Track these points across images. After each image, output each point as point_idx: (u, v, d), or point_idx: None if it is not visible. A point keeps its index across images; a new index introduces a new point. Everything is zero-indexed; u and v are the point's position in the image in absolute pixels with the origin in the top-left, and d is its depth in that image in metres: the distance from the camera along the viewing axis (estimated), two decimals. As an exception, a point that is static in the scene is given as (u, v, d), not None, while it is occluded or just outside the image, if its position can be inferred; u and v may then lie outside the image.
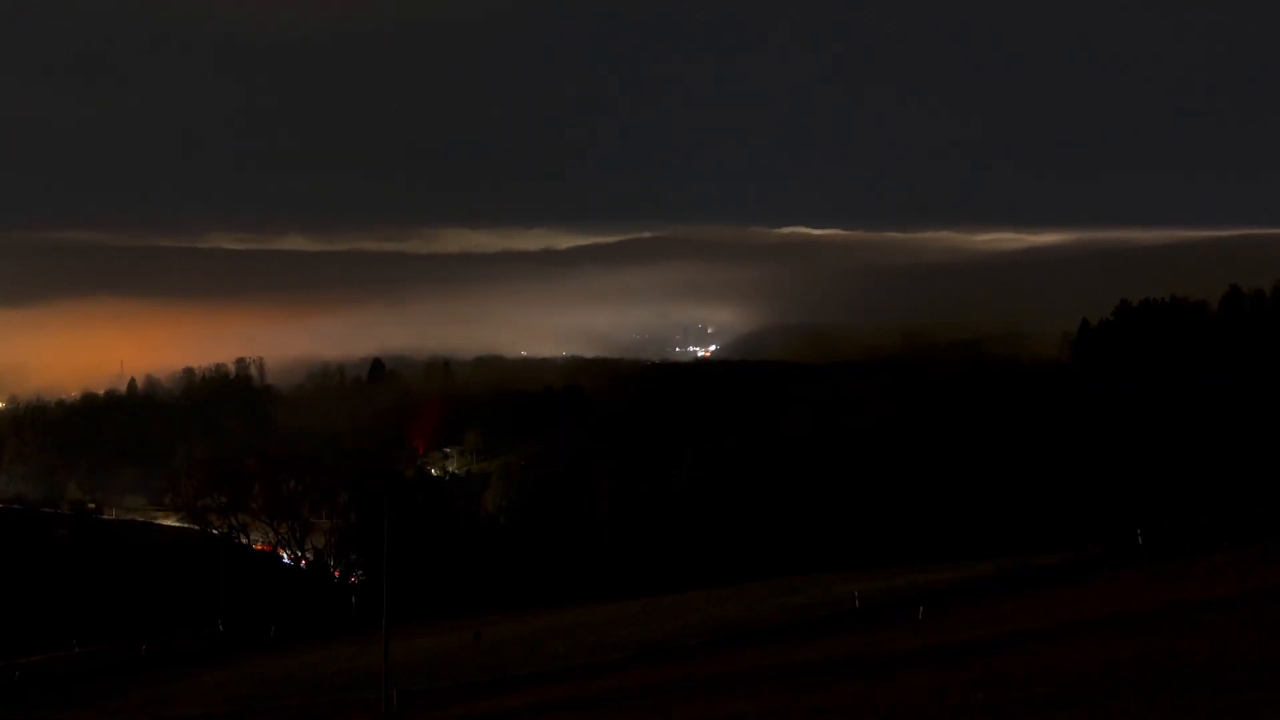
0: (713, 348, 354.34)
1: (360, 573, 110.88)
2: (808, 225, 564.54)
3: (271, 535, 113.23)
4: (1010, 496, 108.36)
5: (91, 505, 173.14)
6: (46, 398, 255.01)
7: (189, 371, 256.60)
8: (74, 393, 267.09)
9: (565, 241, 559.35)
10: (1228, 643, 26.80)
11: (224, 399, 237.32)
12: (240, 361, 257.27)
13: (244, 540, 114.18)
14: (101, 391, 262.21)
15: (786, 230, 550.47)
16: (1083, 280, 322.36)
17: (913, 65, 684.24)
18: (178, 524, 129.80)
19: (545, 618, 75.26)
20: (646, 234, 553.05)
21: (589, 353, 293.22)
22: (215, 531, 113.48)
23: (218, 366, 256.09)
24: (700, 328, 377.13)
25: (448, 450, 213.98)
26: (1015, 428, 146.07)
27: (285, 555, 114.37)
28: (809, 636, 50.40)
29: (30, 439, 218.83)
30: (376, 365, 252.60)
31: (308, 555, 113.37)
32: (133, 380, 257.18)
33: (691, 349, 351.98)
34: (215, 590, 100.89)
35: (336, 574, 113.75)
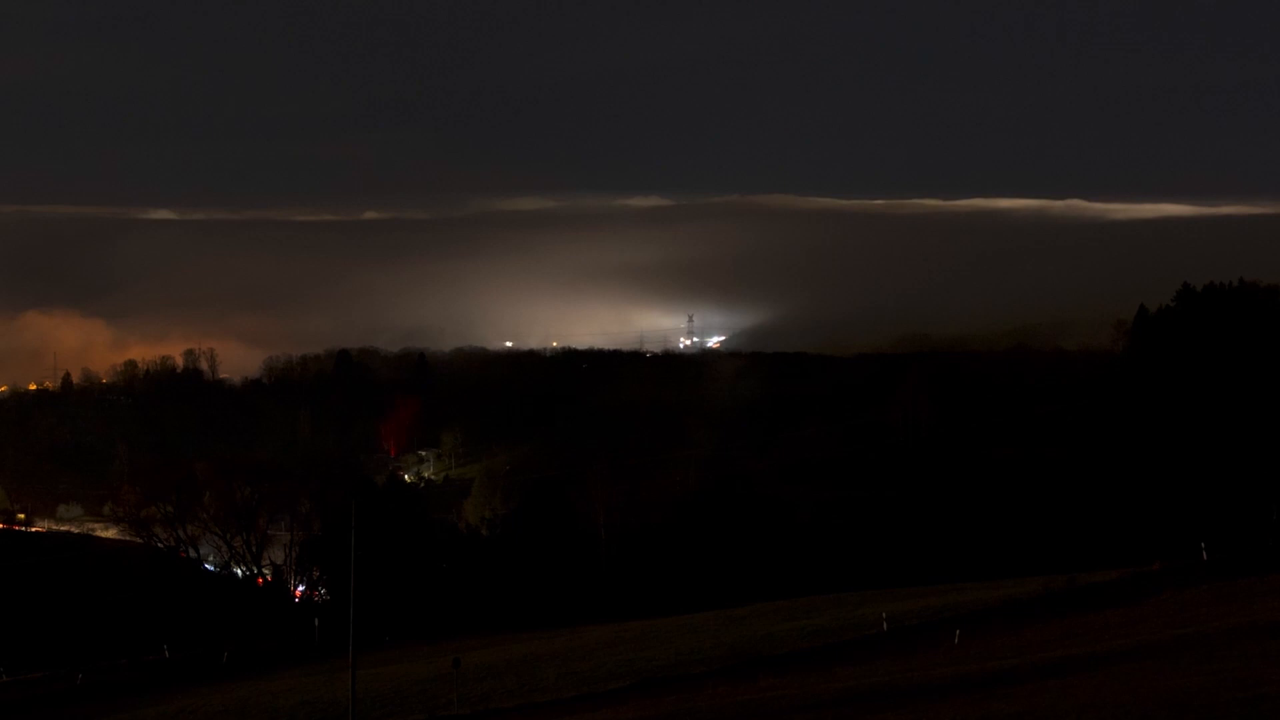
0: (720, 338, 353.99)
1: (324, 591, 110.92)
2: (797, 192, 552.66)
3: (224, 549, 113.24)
4: (1057, 505, 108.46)
5: (21, 515, 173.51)
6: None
7: (131, 365, 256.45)
8: (1, 389, 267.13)
9: (555, 209, 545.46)
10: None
11: (170, 396, 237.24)
12: (189, 353, 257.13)
13: (193, 554, 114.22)
14: (32, 387, 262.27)
15: (775, 197, 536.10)
16: (1140, 261, 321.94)
17: (924, 37, 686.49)
18: (119, 536, 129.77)
19: (533, 642, 75.30)
20: (662, 201, 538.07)
21: (582, 344, 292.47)
22: (161, 545, 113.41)
23: (163, 359, 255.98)
24: (708, 317, 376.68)
25: (423, 453, 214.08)
26: (1062, 427, 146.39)
27: (240, 571, 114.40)
28: (832, 663, 50.43)
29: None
30: (343, 357, 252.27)
31: (265, 571, 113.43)
32: (67, 375, 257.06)
33: (697, 339, 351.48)
34: (161, 611, 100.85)
35: (297, 593, 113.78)
